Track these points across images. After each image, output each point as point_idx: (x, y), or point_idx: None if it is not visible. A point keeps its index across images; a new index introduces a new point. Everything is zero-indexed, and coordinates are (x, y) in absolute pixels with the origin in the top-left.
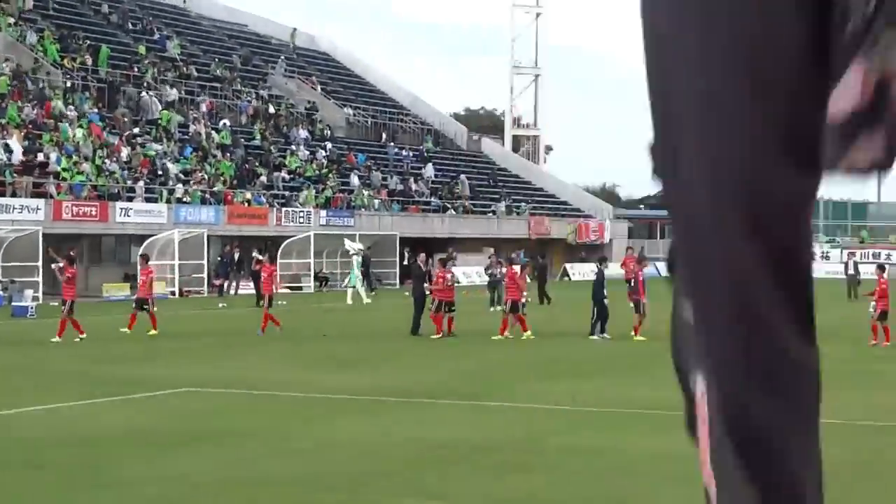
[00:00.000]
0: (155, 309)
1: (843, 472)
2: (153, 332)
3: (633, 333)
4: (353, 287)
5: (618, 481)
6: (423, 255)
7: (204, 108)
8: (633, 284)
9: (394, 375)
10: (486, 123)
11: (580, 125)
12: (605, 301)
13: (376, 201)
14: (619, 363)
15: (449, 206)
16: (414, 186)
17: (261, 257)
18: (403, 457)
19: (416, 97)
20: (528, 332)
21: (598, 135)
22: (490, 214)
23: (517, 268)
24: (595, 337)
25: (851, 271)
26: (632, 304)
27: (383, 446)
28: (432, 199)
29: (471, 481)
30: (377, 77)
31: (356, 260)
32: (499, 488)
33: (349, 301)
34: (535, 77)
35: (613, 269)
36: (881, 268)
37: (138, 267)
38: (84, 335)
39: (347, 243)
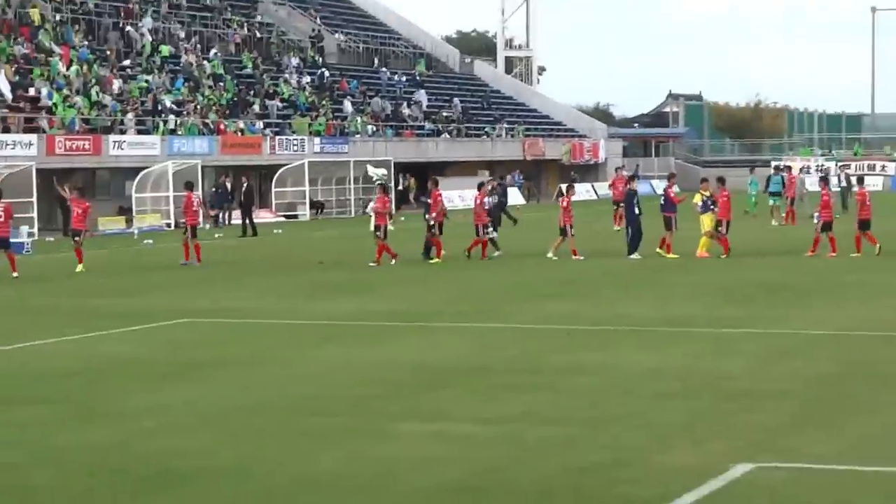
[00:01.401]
0: (82, 242)
1: (831, 380)
2: (79, 267)
3: (661, 250)
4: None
5: (618, 399)
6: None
7: (183, 34)
8: (663, 202)
9: (391, 300)
10: (478, 46)
11: (573, 44)
12: (640, 220)
13: (370, 127)
14: (611, 281)
15: (442, 129)
16: (407, 111)
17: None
18: (403, 380)
19: (408, 21)
20: (438, 258)
21: (592, 53)
22: (484, 137)
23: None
24: (635, 256)
25: (844, 183)
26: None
27: (383, 370)
28: (425, 123)
29: (471, 402)
30: (367, 2)
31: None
32: (499, 408)
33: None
34: None
35: (602, 189)
36: (824, 180)
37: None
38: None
39: (370, 169)
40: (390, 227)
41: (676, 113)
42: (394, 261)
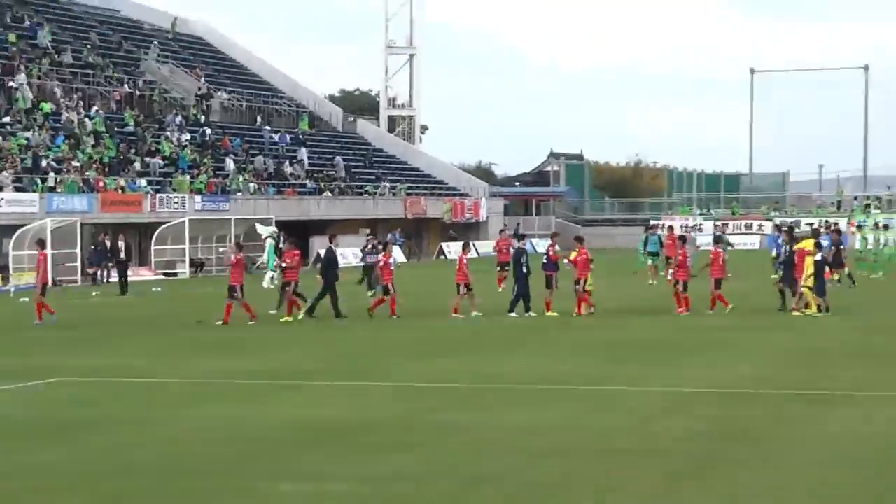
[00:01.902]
0: None
1: (706, 438)
2: None
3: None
4: (273, 270)
5: (494, 458)
6: (336, 240)
7: (60, 92)
8: (545, 261)
9: (270, 359)
10: (361, 105)
11: (456, 104)
12: (528, 279)
13: (252, 185)
14: (491, 340)
15: (325, 187)
16: (289, 169)
17: None
18: (280, 439)
19: (292, 80)
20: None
21: (474, 113)
22: (366, 195)
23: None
24: (514, 314)
25: None
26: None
27: (259, 429)
28: (307, 181)
29: (347, 461)
30: (251, 60)
31: (269, 243)
32: (376, 467)
33: (265, 284)
34: (409, 57)
35: (484, 248)
36: (682, 239)
37: None
38: None
39: (259, 227)
40: (271, 286)
41: (557, 172)
42: (220, 322)
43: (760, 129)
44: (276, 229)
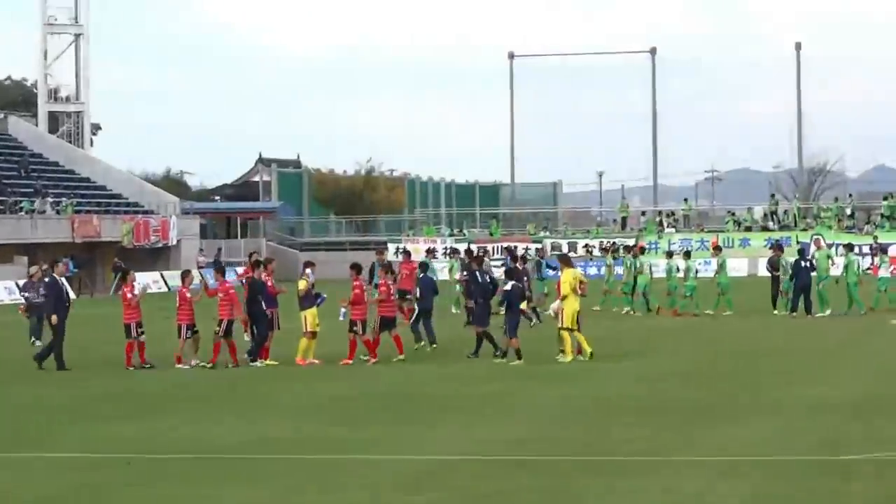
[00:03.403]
0: None
1: None
2: None
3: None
4: None
5: None
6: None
7: None
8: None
9: None
10: (14, 97)
11: (138, 98)
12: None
13: None
14: (191, 396)
15: None
16: None
17: None
18: None
19: None
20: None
21: (161, 109)
22: (22, 214)
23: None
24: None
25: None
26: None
27: None
28: None
29: None
30: None
31: None
32: None
33: None
34: (75, 37)
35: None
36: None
37: None
38: None
39: None
40: None
41: (268, 182)
42: None
43: (524, 129)
44: None
